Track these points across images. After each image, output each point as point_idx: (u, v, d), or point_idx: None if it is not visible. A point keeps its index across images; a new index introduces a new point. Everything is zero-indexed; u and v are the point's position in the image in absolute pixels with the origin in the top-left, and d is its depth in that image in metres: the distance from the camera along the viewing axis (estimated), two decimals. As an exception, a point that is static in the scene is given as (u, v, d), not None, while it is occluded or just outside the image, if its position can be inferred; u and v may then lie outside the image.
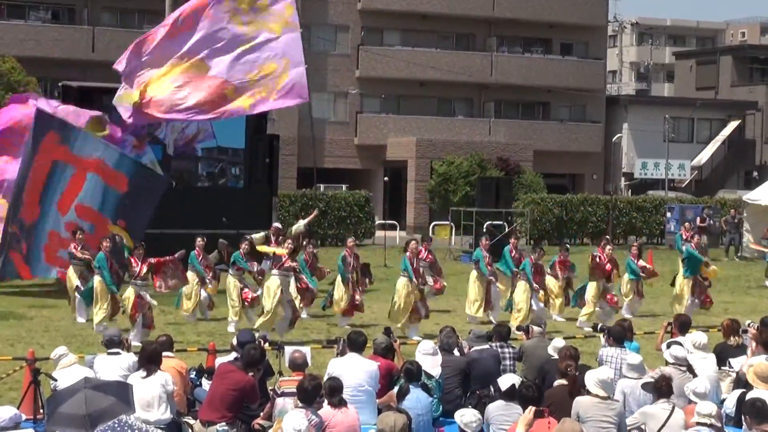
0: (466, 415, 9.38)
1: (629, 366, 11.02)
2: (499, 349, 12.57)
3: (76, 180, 21.76)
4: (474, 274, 20.13)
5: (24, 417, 10.13)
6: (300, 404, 9.75)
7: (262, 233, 22.54)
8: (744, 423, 9.26)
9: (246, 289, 18.92)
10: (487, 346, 12.46)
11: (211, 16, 21.34)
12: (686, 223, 31.70)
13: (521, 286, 19.13)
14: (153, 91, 21.23)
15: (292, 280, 18.78)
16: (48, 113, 22.25)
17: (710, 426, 9.19)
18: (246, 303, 18.84)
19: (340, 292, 19.26)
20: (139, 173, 22.34)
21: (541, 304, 19.19)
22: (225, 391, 10.50)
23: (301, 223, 23.76)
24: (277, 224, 23.87)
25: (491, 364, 12.11)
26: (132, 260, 17.71)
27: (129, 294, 17.35)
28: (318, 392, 9.82)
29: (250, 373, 10.69)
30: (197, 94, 21.57)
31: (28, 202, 21.51)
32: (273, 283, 17.72)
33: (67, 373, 10.83)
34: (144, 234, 21.61)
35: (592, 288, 19.65)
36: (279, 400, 10.32)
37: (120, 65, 21.20)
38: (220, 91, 21.41)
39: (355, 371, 10.89)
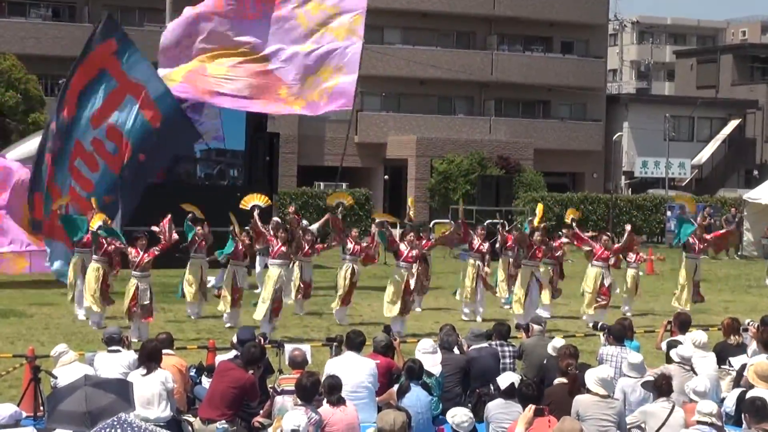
0: (457, 415, 9.38)
1: (630, 365, 11.02)
2: (499, 348, 12.58)
3: (115, 97, 20.99)
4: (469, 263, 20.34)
5: (24, 414, 10.13)
6: (299, 402, 9.76)
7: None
8: (744, 421, 9.27)
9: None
10: (486, 345, 12.48)
11: (281, 12, 21.13)
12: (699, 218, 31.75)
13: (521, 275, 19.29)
14: (210, 70, 20.97)
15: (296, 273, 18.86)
16: (115, 22, 21.76)
17: (710, 425, 9.19)
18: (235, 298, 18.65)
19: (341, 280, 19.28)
20: (176, 117, 21.24)
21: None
22: (225, 389, 10.50)
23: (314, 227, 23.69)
24: (276, 219, 23.94)
25: (490, 362, 12.13)
26: (134, 251, 17.65)
27: (129, 285, 17.30)
28: (316, 389, 9.83)
29: (250, 371, 10.69)
30: (251, 84, 21.31)
31: (68, 98, 21.06)
32: (273, 272, 17.71)
33: (67, 370, 10.84)
34: (154, 177, 21.81)
35: (589, 276, 19.61)
36: (278, 398, 10.33)
37: (169, 36, 20.92)
38: (275, 89, 21.08)
39: (354, 370, 10.89)
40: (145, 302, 17.20)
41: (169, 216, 18.19)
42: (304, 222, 24.05)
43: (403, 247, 18.48)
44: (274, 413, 10.28)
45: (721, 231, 21.42)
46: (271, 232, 19.23)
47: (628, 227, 20.70)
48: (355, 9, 21.61)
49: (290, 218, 22.58)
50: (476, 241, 20.53)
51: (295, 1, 21.34)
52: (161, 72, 20.92)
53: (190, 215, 20.01)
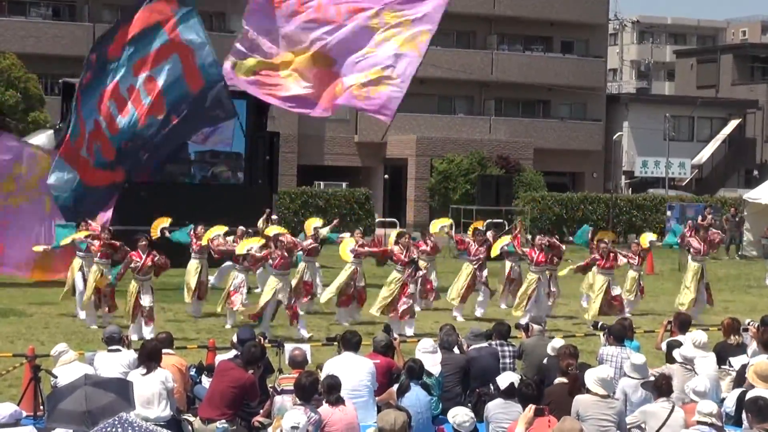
0: (458, 415, 9.38)
1: (633, 366, 11.00)
2: (499, 348, 12.58)
3: (162, 53, 20.68)
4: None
5: (24, 414, 10.13)
6: (298, 401, 9.76)
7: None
8: (746, 421, 9.25)
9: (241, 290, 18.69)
10: (485, 344, 12.47)
11: (359, 20, 20.88)
12: (689, 222, 31.78)
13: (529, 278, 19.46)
14: (283, 73, 20.67)
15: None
16: None
17: (710, 425, 9.19)
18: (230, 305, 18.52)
19: (340, 282, 19.27)
20: (217, 89, 20.61)
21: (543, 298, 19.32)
22: (225, 389, 10.50)
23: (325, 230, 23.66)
24: (274, 217, 24.09)
25: (490, 362, 12.12)
26: (136, 255, 17.61)
27: (132, 289, 17.32)
28: (315, 388, 9.83)
29: (250, 371, 10.69)
30: (315, 87, 21.03)
31: (118, 38, 20.95)
32: (271, 282, 17.71)
33: (67, 370, 10.84)
34: (179, 143, 21.86)
35: (598, 281, 19.65)
36: (278, 398, 10.33)
37: (248, 20, 20.75)
38: (333, 88, 20.76)
39: (352, 370, 10.88)
40: (149, 306, 17.22)
41: (144, 242, 17.96)
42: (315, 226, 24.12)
43: (397, 249, 18.51)
44: (273, 413, 10.27)
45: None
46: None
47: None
48: (427, 25, 21.29)
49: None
50: (473, 247, 20.53)
51: (375, 11, 21.10)
52: (233, 54, 20.60)
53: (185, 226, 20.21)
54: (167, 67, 20.39)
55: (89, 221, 20.31)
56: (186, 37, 20.46)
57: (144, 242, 17.81)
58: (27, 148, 24.06)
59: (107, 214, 22.15)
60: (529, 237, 21.24)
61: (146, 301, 17.21)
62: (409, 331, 17.38)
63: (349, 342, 11.42)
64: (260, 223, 24.47)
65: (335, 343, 12.16)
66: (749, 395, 10.11)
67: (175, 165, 27.94)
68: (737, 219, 35.92)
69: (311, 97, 20.37)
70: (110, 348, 11.50)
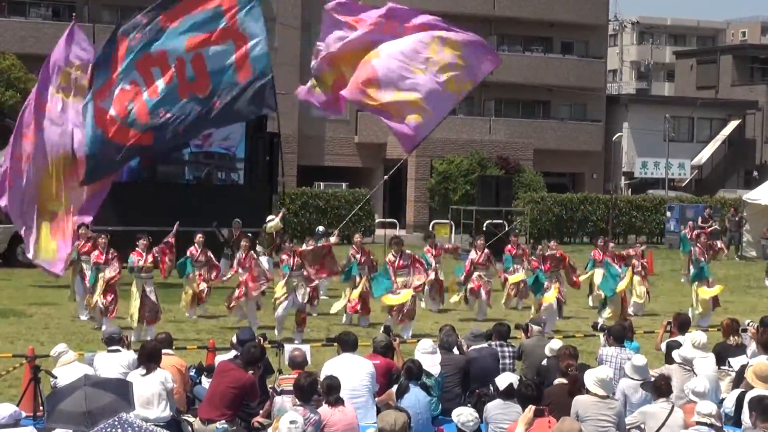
0: (463, 414, 9.39)
1: (634, 368, 10.99)
2: (499, 348, 12.58)
3: (218, 36, 20.12)
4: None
5: (24, 414, 10.13)
6: (298, 402, 9.77)
7: (276, 219, 22.97)
8: (749, 420, 9.24)
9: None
10: (485, 345, 12.48)
11: (421, 36, 20.78)
12: (690, 223, 31.80)
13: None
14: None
15: None
16: None
17: (710, 425, 9.19)
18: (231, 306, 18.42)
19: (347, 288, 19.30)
20: (263, 83, 21.00)
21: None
22: (225, 389, 10.50)
23: (276, 220, 23.81)
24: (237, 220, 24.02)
25: (490, 362, 12.12)
26: (135, 254, 17.59)
27: (134, 289, 17.28)
28: (314, 389, 9.84)
29: (250, 371, 10.69)
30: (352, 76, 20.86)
31: (176, 11, 20.78)
32: (289, 282, 17.86)
33: (66, 370, 10.85)
34: (215, 127, 22.27)
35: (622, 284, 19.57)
36: (278, 399, 10.32)
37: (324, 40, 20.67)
38: (363, 83, 20.34)
39: (351, 371, 10.88)
40: (153, 305, 17.22)
41: (145, 241, 17.94)
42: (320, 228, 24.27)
43: (391, 257, 18.67)
44: (273, 413, 10.27)
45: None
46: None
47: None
48: (473, 78, 21.11)
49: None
50: (474, 255, 20.53)
51: (439, 36, 20.97)
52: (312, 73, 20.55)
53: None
54: (220, 52, 20.45)
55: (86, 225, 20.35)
56: (245, 26, 20.52)
57: (145, 241, 17.79)
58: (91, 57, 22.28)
59: (85, 218, 21.64)
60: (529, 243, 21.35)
61: (151, 300, 17.20)
62: (406, 335, 17.35)
63: (347, 342, 11.43)
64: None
65: (335, 344, 12.17)
66: (749, 395, 10.12)
67: (173, 165, 27.96)
68: (737, 219, 35.95)
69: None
70: (110, 348, 11.50)
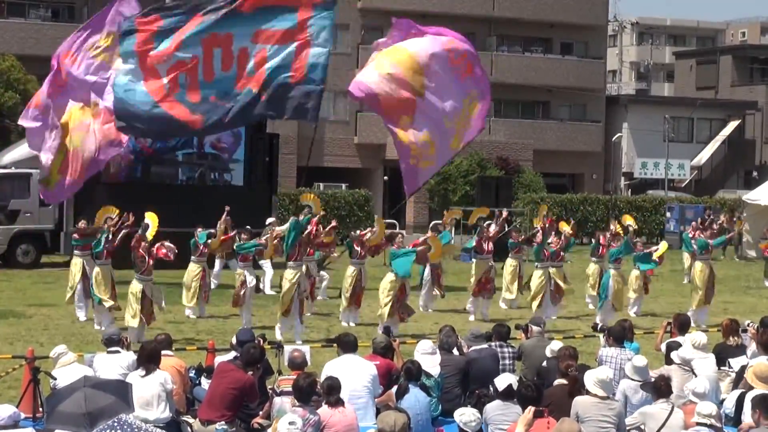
0: (465, 415, 9.37)
1: (634, 368, 10.99)
2: (499, 349, 12.57)
3: (285, 36, 19.84)
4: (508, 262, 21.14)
5: (23, 415, 10.12)
6: (297, 403, 9.77)
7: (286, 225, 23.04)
8: (753, 418, 9.21)
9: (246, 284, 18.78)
10: (485, 346, 12.47)
11: (463, 91, 20.79)
12: (693, 223, 31.79)
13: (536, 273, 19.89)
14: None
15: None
16: None
17: (710, 426, 9.18)
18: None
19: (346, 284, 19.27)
20: (312, 89, 20.44)
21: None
22: (224, 390, 10.49)
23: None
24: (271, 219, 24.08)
25: (489, 363, 12.11)
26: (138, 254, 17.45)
27: (135, 290, 17.17)
28: (313, 389, 9.84)
29: (249, 372, 10.69)
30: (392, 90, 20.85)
31: None
32: (288, 274, 17.67)
33: (66, 371, 10.84)
34: (254, 121, 22.05)
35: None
36: (277, 399, 10.31)
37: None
38: (397, 113, 20.47)
39: (352, 372, 10.88)
40: (154, 305, 17.21)
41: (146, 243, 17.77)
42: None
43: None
44: (273, 414, 10.26)
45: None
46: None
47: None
48: (468, 138, 21.18)
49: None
50: (485, 245, 20.72)
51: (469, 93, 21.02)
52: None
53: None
54: (282, 52, 20.36)
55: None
56: (313, 32, 20.47)
57: (146, 242, 17.72)
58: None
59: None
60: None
61: (152, 301, 17.21)
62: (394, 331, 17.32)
63: (347, 344, 11.43)
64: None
65: (334, 344, 12.17)
66: (749, 396, 10.11)
67: (156, 169, 28.07)
68: (734, 220, 35.98)
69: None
70: (110, 350, 11.49)
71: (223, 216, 21.95)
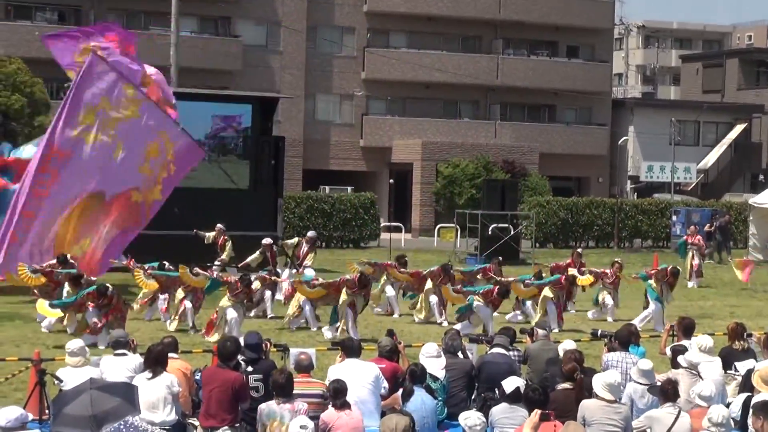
0: (470, 418, 9.37)
1: (640, 372, 10.98)
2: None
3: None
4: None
5: (30, 417, 10.12)
6: (281, 400, 9.85)
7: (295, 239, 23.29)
8: (753, 426, 9.17)
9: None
10: (502, 351, 12.34)
11: (68, 155, 21.73)
12: (691, 227, 31.75)
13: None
14: (78, 250, 21.68)
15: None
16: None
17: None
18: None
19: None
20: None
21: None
22: (217, 394, 10.47)
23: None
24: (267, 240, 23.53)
25: (503, 368, 11.86)
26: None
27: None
28: (292, 384, 10.02)
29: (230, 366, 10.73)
30: (114, 221, 22.27)
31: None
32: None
33: (72, 373, 10.86)
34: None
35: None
36: (263, 405, 10.20)
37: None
38: (128, 203, 22.20)
39: (356, 375, 10.88)
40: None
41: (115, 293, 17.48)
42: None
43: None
44: (262, 421, 10.13)
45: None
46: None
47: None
48: (111, 83, 22.34)
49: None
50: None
51: (70, 134, 22.06)
52: None
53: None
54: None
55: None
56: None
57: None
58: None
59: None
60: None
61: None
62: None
63: (351, 348, 11.44)
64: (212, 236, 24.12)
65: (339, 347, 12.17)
66: (755, 399, 10.08)
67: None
68: (724, 223, 36.14)
69: (117, 228, 22.56)
70: (116, 352, 11.50)
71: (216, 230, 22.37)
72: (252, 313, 19.34)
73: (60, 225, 21.63)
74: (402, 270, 20.77)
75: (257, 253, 22.33)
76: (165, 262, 19.33)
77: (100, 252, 22.19)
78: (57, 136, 21.58)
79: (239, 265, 22.37)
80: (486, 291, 18.45)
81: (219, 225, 23.58)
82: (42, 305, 17.37)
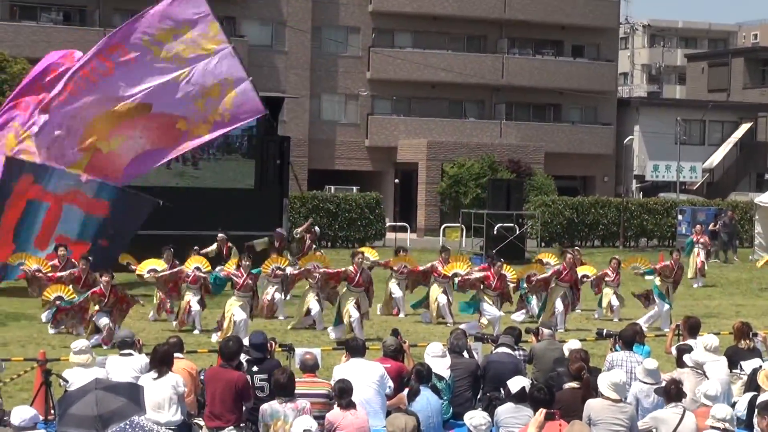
0: (475, 418, 9.37)
1: (646, 371, 10.97)
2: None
3: (52, 214, 22.05)
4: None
5: (41, 417, 10.13)
6: (283, 399, 9.85)
7: (265, 238, 23.03)
8: (758, 426, 9.17)
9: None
10: (507, 350, 12.35)
11: (131, 55, 21.77)
12: (697, 226, 31.72)
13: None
14: (106, 147, 21.60)
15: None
16: (18, 159, 22.22)
17: (723, 430, 9.15)
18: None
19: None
20: (121, 198, 22.87)
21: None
22: (221, 394, 10.48)
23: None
24: (280, 230, 23.98)
25: (509, 368, 11.87)
26: (98, 291, 17.10)
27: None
28: (293, 383, 10.01)
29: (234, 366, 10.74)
30: (150, 136, 22.06)
31: (3, 237, 21.72)
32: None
33: (78, 373, 10.88)
34: (126, 247, 21.81)
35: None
36: (265, 405, 10.21)
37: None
38: (172, 126, 22.05)
39: (361, 375, 10.88)
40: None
41: (107, 278, 17.26)
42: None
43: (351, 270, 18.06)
44: (265, 421, 10.12)
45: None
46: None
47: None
48: (201, 14, 22.17)
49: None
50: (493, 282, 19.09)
51: (141, 39, 21.90)
52: None
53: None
54: (68, 218, 22.61)
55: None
56: (62, 189, 22.61)
57: (107, 278, 17.19)
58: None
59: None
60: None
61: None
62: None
63: (355, 348, 11.45)
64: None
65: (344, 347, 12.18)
66: (761, 399, 10.09)
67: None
68: (733, 222, 36.12)
69: (150, 147, 21.78)
70: (122, 352, 11.51)
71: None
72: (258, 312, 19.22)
73: (99, 116, 21.92)
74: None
75: (265, 238, 23.14)
76: (156, 267, 18.94)
77: (125, 159, 22.49)
78: (128, 34, 21.95)
79: (247, 244, 22.52)
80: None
81: (220, 234, 23.08)
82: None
